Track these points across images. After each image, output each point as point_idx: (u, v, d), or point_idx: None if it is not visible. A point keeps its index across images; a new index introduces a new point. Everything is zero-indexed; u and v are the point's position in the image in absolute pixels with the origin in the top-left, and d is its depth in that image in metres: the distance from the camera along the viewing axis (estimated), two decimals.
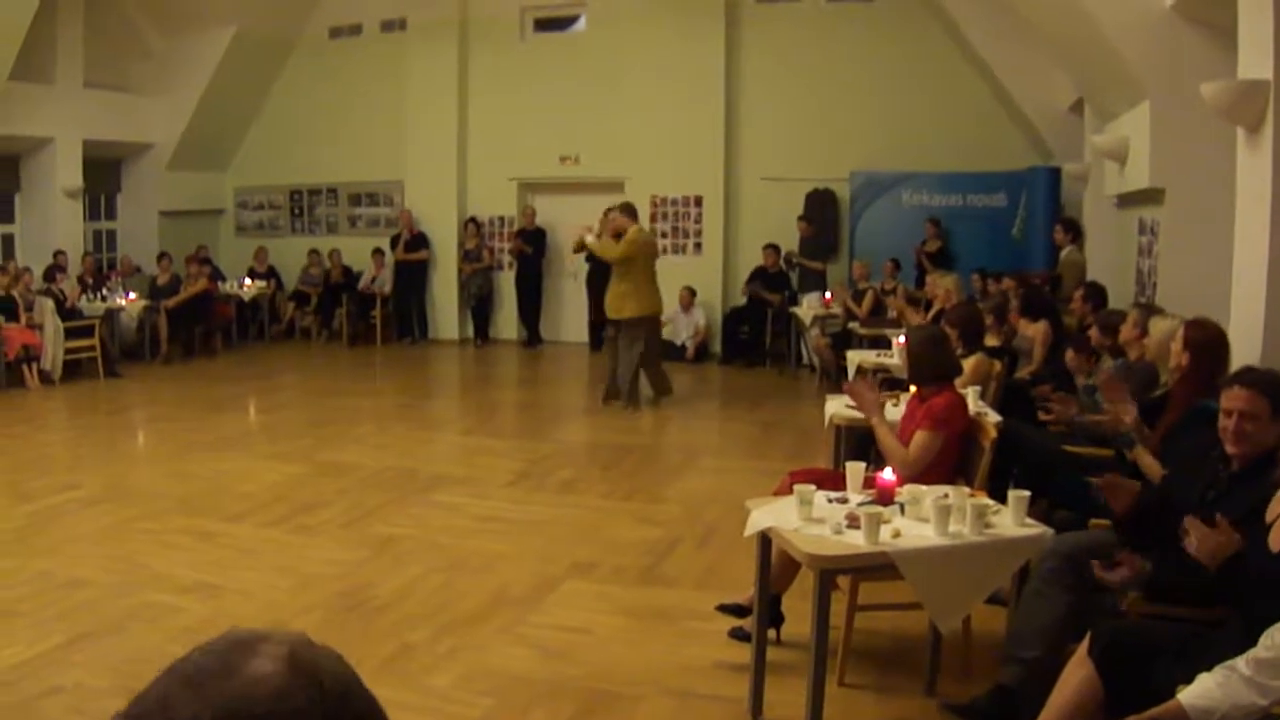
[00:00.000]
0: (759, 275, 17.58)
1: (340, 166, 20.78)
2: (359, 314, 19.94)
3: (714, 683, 5.59)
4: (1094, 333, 8.39)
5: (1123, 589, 4.45)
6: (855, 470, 5.28)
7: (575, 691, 5.49)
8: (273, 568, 7.44)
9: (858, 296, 15.55)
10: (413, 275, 19.74)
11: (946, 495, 4.87)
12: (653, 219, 18.49)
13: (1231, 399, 4.43)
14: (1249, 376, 4.54)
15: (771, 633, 5.70)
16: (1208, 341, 6.16)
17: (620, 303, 13.10)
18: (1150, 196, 10.46)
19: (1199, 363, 6.06)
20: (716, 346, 18.15)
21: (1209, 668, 3.58)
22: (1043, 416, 8.25)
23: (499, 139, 19.58)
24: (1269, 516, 4.06)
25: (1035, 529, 4.84)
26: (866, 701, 5.43)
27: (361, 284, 19.96)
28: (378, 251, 19.85)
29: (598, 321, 13.35)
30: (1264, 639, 3.45)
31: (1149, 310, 7.94)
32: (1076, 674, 3.99)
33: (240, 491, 9.46)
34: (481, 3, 19.61)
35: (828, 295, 16.00)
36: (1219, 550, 3.88)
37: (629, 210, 13.53)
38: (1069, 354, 8.54)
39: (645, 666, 5.78)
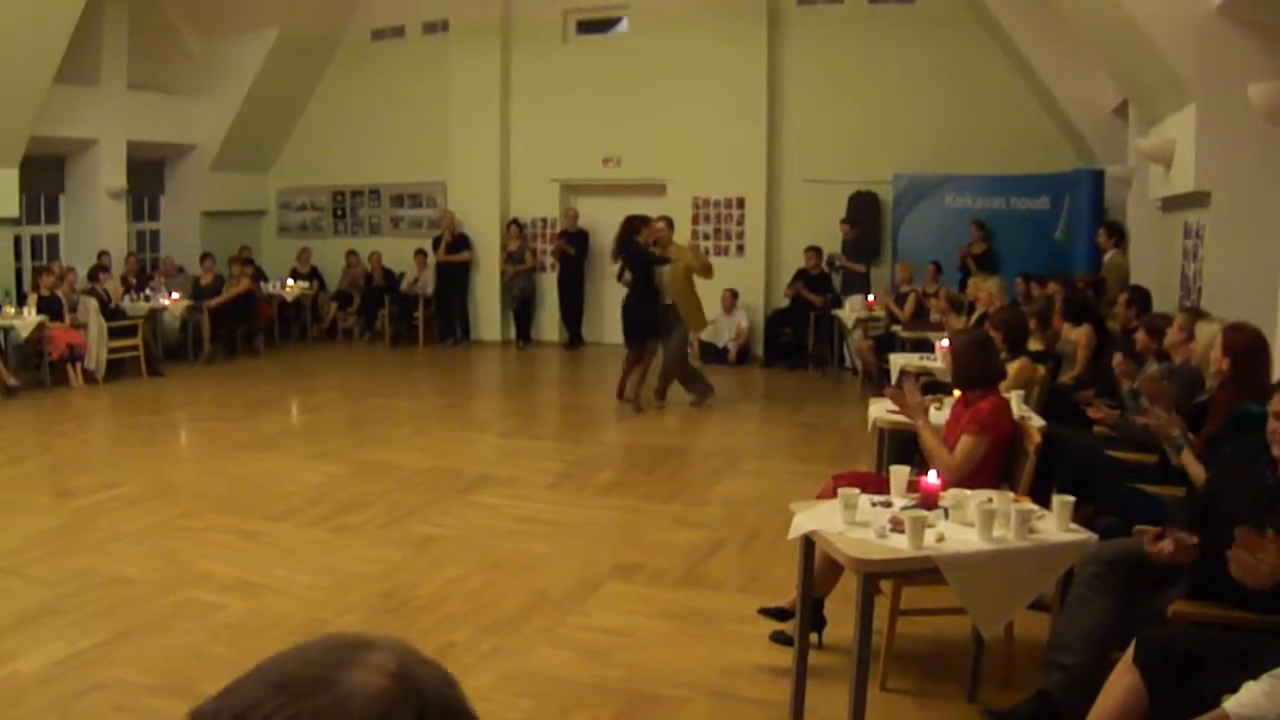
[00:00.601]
0: (801, 277, 17.54)
1: (382, 168, 20.86)
2: (401, 315, 20.00)
3: (755, 686, 5.57)
4: (1140, 336, 8.34)
5: (1171, 564, 4.41)
6: (899, 474, 5.26)
7: (615, 694, 5.48)
8: (314, 567, 7.46)
9: (900, 299, 15.49)
10: (455, 276, 19.78)
11: (990, 500, 4.85)
12: (694, 221, 18.52)
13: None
14: None
15: (813, 636, 5.68)
16: (1246, 345, 6.13)
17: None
18: (1195, 200, 10.38)
19: (1239, 367, 6.03)
20: (759, 349, 18.12)
21: (1256, 676, 3.55)
22: (1091, 414, 8.19)
23: (541, 140, 19.60)
24: None
25: (1079, 534, 4.81)
26: (908, 707, 5.41)
27: (404, 285, 20.03)
28: (420, 253, 19.90)
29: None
30: None
31: (1195, 314, 7.89)
32: (1121, 682, 3.96)
33: (282, 491, 9.51)
34: (524, 4, 19.62)
35: (870, 298, 15.95)
36: (1272, 572, 3.83)
37: (671, 224, 13.72)
38: (1117, 358, 8.47)
39: (686, 669, 5.77)
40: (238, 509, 8.90)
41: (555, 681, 5.62)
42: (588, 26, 19.86)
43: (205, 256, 18.39)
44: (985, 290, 11.85)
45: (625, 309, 13.47)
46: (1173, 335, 7.77)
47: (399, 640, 1.24)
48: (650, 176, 18.78)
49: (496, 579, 7.23)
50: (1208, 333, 6.96)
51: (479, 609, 6.64)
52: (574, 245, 19.19)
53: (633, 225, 13.44)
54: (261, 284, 19.20)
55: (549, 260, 19.80)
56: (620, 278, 13.66)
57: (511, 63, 19.80)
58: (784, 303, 17.90)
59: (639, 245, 13.35)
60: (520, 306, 19.87)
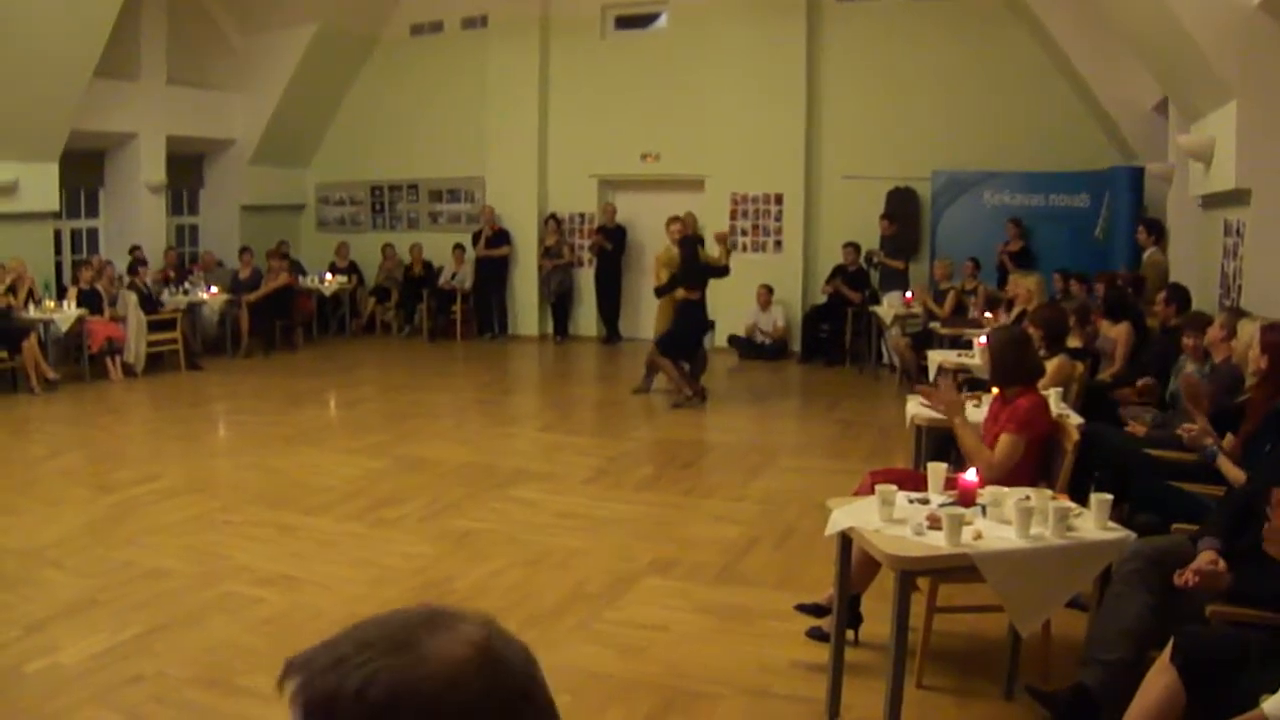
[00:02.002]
0: (839, 273, 17.56)
1: (421, 163, 20.94)
2: (440, 309, 20.06)
3: (791, 682, 5.57)
4: (1187, 341, 8.27)
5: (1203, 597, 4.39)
6: (937, 471, 5.24)
7: (652, 689, 5.49)
8: (352, 561, 7.49)
9: (939, 296, 15.45)
10: (494, 271, 19.86)
11: (1028, 497, 4.84)
12: (733, 216, 18.52)
13: None
14: None
15: (850, 633, 5.68)
16: None
17: None
18: (1236, 198, 10.32)
19: (1277, 365, 6.00)
20: (796, 345, 18.10)
21: None
22: (1131, 429, 8.17)
23: (580, 136, 19.65)
24: None
25: (1117, 532, 4.79)
26: (945, 704, 5.40)
27: (442, 280, 20.10)
28: (458, 247, 19.98)
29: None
30: None
31: (1237, 313, 7.86)
32: (1159, 681, 3.95)
33: (320, 485, 9.55)
34: (563, 0, 19.64)
35: (909, 294, 15.92)
36: None
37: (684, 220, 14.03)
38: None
39: (723, 665, 5.77)
40: (276, 503, 8.94)
41: (592, 676, 5.63)
42: (626, 22, 19.88)
43: (244, 250, 18.48)
44: (1024, 287, 11.83)
45: (688, 328, 13.55)
46: (1213, 333, 7.74)
47: (490, 616, 1.27)
48: (688, 172, 18.78)
49: (534, 573, 7.25)
50: (1248, 331, 6.93)
51: (516, 603, 6.65)
52: (611, 241, 19.23)
53: (695, 244, 13.60)
54: (300, 278, 19.28)
55: (586, 255, 19.83)
56: (662, 294, 13.77)
57: (550, 58, 19.85)
58: (822, 299, 17.89)
59: (705, 263, 13.49)
60: (558, 301, 19.93)
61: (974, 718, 5.31)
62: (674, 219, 13.91)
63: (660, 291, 13.68)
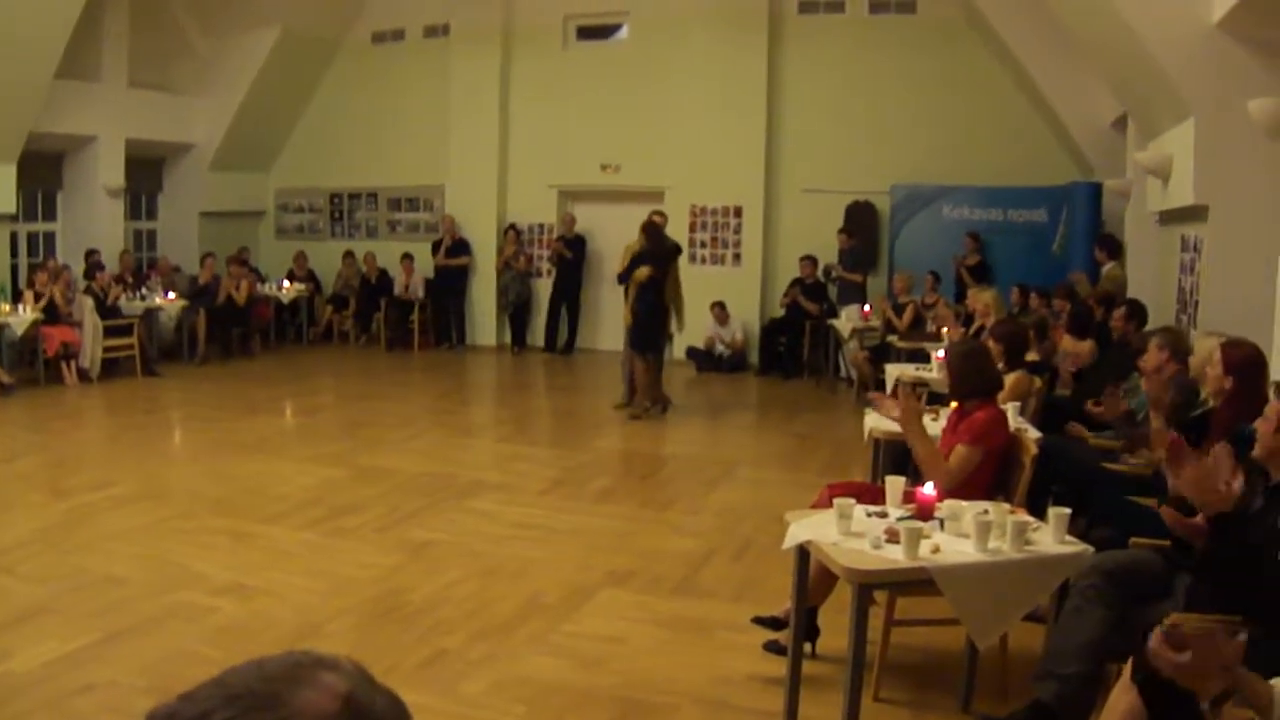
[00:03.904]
0: (797, 286, 17.60)
1: (381, 171, 20.86)
2: (397, 319, 19.98)
3: (749, 695, 5.57)
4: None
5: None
6: (895, 484, 5.26)
7: (609, 701, 5.48)
8: (308, 570, 7.45)
9: (898, 309, 15.51)
10: (453, 281, 19.80)
11: (987, 511, 4.85)
12: (692, 229, 18.50)
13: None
14: None
15: (807, 646, 5.69)
16: (1249, 361, 6.16)
17: None
18: (1194, 214, 10.40)
19: (1244, 383, 6.04)
20: (754, 357, 18.13)
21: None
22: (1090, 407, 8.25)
23: (540, 146, 19.61)
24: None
25: (1075, 547, 4.82)
26: (902, 717, 5.42)
27: (398, 289, 20.01)
28: (407, 257, 19.93)
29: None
30: None
31: (1170, 333, 7.91)
32: (1121, 701, 3.95)
33: (276, 493, 9.50)
34: (524, 10, 19.64)
35: (867, 308, 15.96)
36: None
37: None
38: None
39: (680, 677, 5.77)
40: (232, 511, 8.89)
41: (548, 688, 5.61)
42: (588, 32, 19.86)
43: (206, 256, 18.42)
44: (983, 301, 11.87)
45: (652, 313, 13.42)
46: (1151, 358, 7.75)
47: (358, 664, 1.25)
48: (648, 184, 18.76)
49: (490, 585, 7.23)
50: (1206, 346, 6.97)
51: (472, 614, 6.63)
52: (571, 250, 19.18)
53: (660, 225, 13.58)
54: (258, 285, 19.17)
55: (545, 266, 19.81)
56: (623, 280, 13.56)
57: (511, 67, 19.81)
58: (780, 312, 17.92)
59: (672, 244, 13.56)
60: (516, 312, 19.88)
61: None
62: (656, 212, 13.91)
63: (622, 277, 13.48)
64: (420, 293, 19.89)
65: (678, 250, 13.59)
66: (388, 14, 20.59)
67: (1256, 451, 4.61)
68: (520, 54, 19.77)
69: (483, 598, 6.97)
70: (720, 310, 17.94)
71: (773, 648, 5.85)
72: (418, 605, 6.79)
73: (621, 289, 13.64)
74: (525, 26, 19.67)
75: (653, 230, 13.33)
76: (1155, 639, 3.30)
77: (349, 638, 6.14)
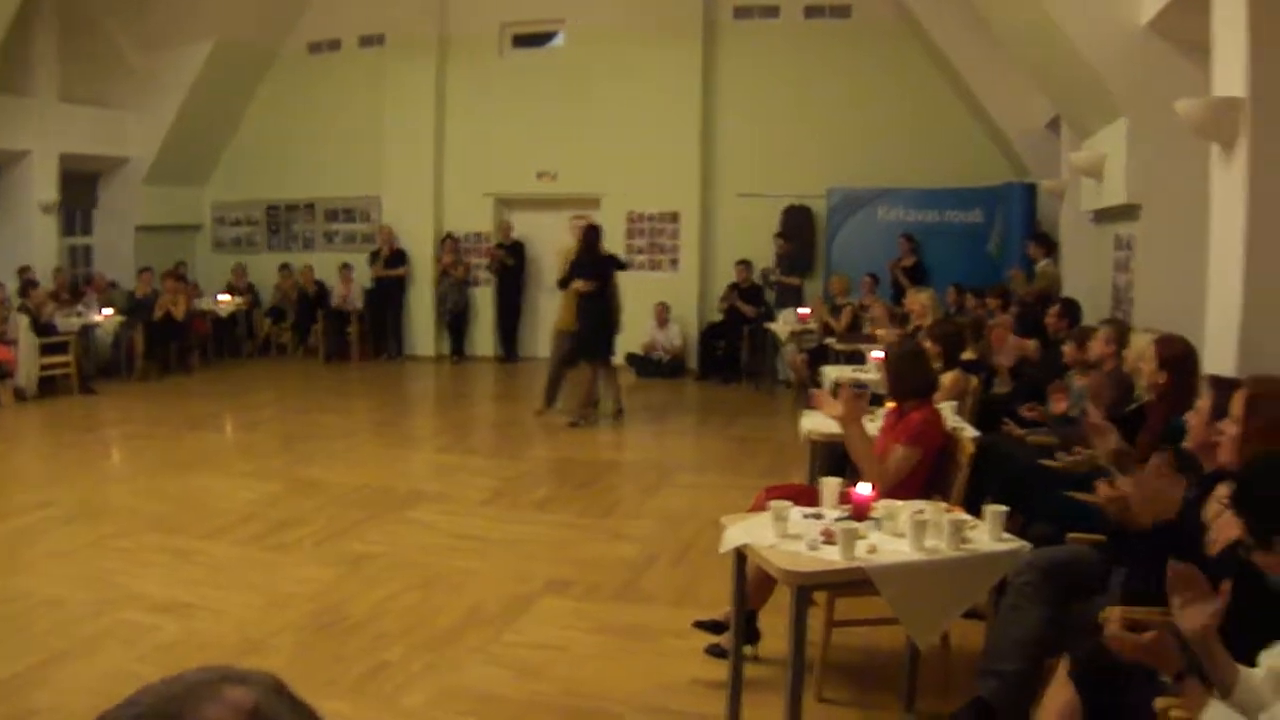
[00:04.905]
0: (734, 290, 17.71)
1: (318, 182, 20.73)
2: (335, 330, 19.88)
3: (691, 700, 5.57)
4: (1069, 348, 8.43)
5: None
6: (830, 486, 5.27)
7: (551, 709, 5.47)
8: (248, 586, 7.38)
9: (835, 312, 15.57)
10: (390, 291, 19.72)
11: (923, 510, 4.86)
12: (629, 235, 18.56)
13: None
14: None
15: (749, 649, 5.69)
16: (1182, 357, 6.26)
17: None
18: (1126, 212, 10.51)
19: (1177, 378, 6.11)
20: (693, 362, 18.20)
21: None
22: (1026, 412, 8.30)
23: (477, 155, 19.57)
24: (1207, 517, 4.11)
25: (1012, 543, 4.84)
26: (845, 717, 5.44)
27: (335, 300, 19.93)
28: (345, 267, 19.86)
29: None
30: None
31: (1120, 325, 8.01)
32: (1059, 697, 3.97)
33: (216, 509, 9.41)
34: (460, 18, 19.60)
35: (804, 311, 16.02)
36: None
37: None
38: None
39: (622, 684, 5.76)
40: (171, 528, 8.80)
41: (490, 698, 5.60)
42: (524, 40, 19.89)
43: (144, 270, 18.27)
44: (919, 302, 11.95)
45: (602, 320, 13.40)
46: (1098, 346, 7.86)
47: (271, 677, 1.23)
48: (585, 191, 18.78)
49: (431, 596, 7.20)
50: (1141, 342, 7.05)
51: (413, 626, 6.60)
52: (511, 257, 19.14)
53: (598, 233, 13.53)
54: (196, 299, 19.01)
55: (483, 275, 19.77)
56: (564, 286, 13.50)
57: (447, 76, 19.78)
58: (718, 316, 18.00)
59: (607, 254, 13.52)
60: (454, 321, 19.86)
61: None
62: (578, 215, 13.91)
63: (563, 283, 13.44)
64: (358, 304, 19.82)
65: (620, 265, 13.55)
66: (323, 24, 20.49)
67: (1189, 443, 4.67)
68: (456, 63, 19.73)
69: (423, 609, 6.94)
70: (663, 311, 17.97)
71: (714, 651, 5.85)
72: (358, 618, 6.74)
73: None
74: (461, 35, 19.65)
75: (589, 235, 13.32)
76: (1114, 625, 3.33)
77: (289, 653, 6.09)
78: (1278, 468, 3.04)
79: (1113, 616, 3.30)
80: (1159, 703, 3.50)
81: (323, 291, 20.18)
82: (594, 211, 17.50)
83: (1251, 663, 3.22)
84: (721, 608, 5.87)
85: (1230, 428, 4.21)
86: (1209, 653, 3.16)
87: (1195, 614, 3.16)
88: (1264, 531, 2.95)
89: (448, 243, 19.66)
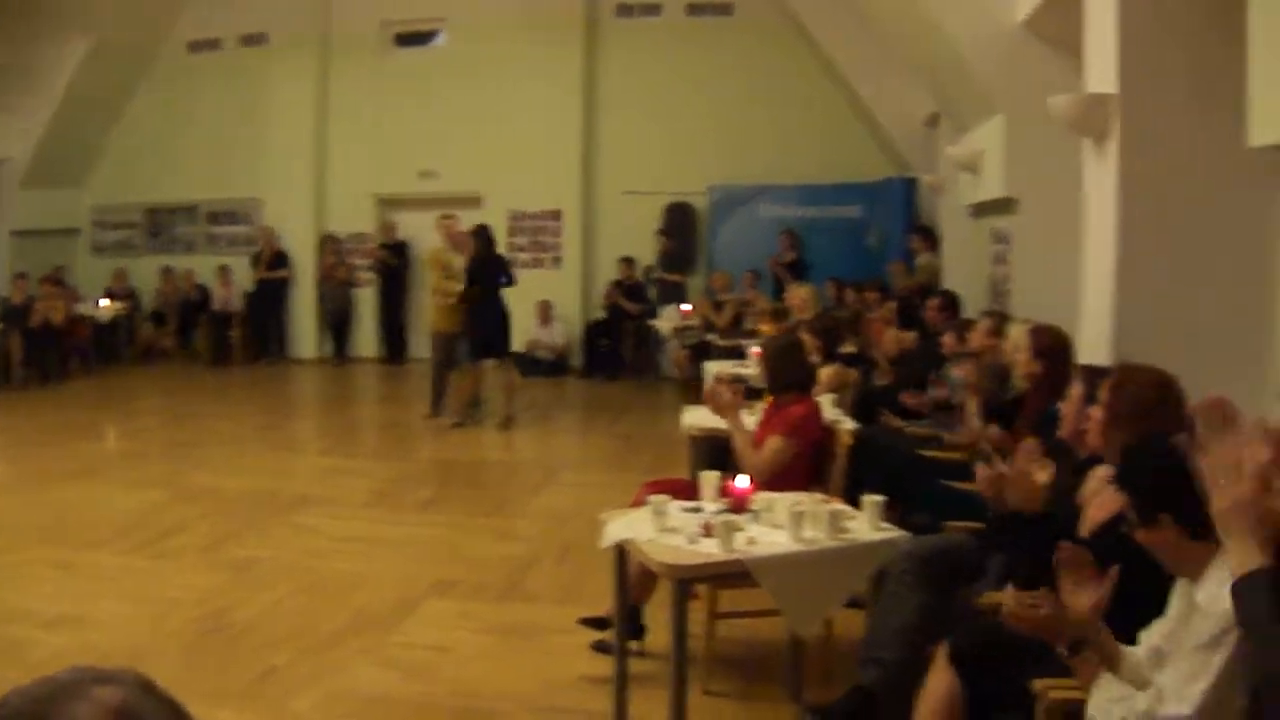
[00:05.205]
0: (617, 287, 17.85)
1: (199, 184, 20.37)
2: (217, 334, 19.65)
3: (578, 696, 5.59)
4: (949, 339, 8.55)
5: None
6: (709, 479, 5.31)
7: (439, 710, 5.47)
8: (133, 595, 7.28)
9: (718, 308, 15.67)
10: (273, 294, 19.56)
11: (801, 502, 4.91)
12: (511, 233, 18.47)
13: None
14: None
15: (634, 644, 5.72)
16: (1056, 347, 6.38)
17: None
18: (1003, 206, 10.65)
19: (1052, 367, 6.22)
20: (577, 360, 18.25)
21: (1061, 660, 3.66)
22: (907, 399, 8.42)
23: (359, 155, 19.47)
24: (1082, 501, 4.20)
25: (890, 532, 4.91)
26: (731, 709, 5.50)
27: (216, 304, 19.71)
28: (223, 269, 19.68)
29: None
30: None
31: (1000, 316, 8.13)
32: (939, 682, 4.03)
33: (99, 518, 9.26)
34: (343, 17, 19.49)
35: (687, 307, 16.11)
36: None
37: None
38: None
39: (509, 683, 5.77)
40: (54, 539, 8.63)
41: (378, 700, 5.59)
42: (406, 39, 19.85)
43: (19, 276, 17.91)
44: (799, 297, 12.07)
45: (499, 320, 13.32)
46: (978, 339, 7.99)
47: (139, 677, 1.24)
48: (467, 190, 18.70)
49: (317, 600, 7.15)
50: (1016, 332, 7.17)
51: (300, 631, 6.55)
52: (394, 257, 19.07)
53: (490, 234, 13.50)
54: (75, 305, 18.69)
55: (365, 276, 19.66)
56: (469, 297, 13.32)
57: (330, 75, 19.67)
58: (601, 314, 18.12)
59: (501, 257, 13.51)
60: (336, 323, 19.76)
61: None
62: (446, 215, 13.89)
63: (467, 295, 13.23)
64: (239, 306, 19.62)
65: (509, 275, 13.53)
66: (204, 22, 20.17)
67: (1062, 431, 4.76)
68: (338, 62, 19.62)
69: (309, 613, 6.90)
70: (546, 310, 18.00)
71: (600, 648, 5.88)
72: (244, 624, 6.69)
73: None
74: (343, 34, 19.53)
75: (483, 236, 13.29)
76: (1009, 600, 3.39)
77: (177, 661, 6.02)
78: (1162, 447, 3.11)
79: (1009, 595, 3.37)
80: (1036, 684, 3.59)
81: (204, 295, 19.93)
82: (476, 210, 17.44)
83: (1131, 642, 3.30)
84: (606, 604, 5.89)
85: (1097, 414, 4.30)
86: (1096, 632, 3.24)
87: (1084, 595, 3.23)
88: (1147, 509, 3.02)
89: (329, 244, 19.52)
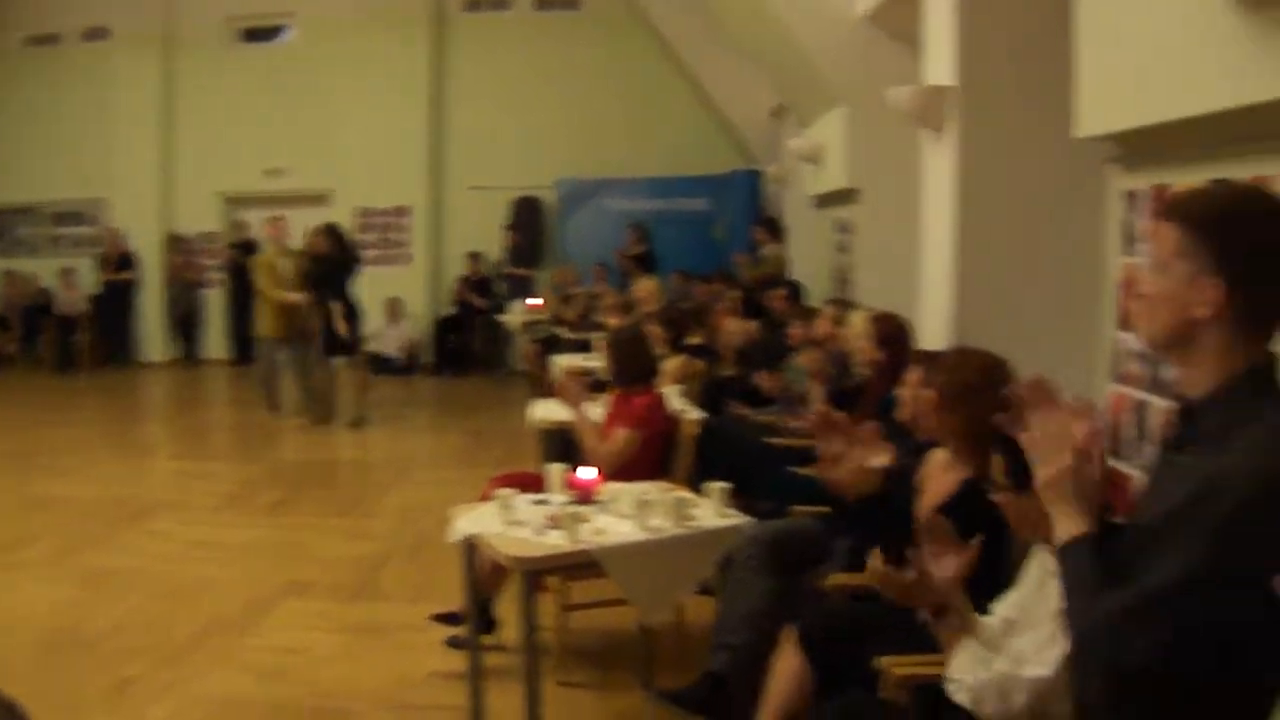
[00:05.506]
0: (465, 283, 17.90)
1: (41, 184, 19.83)
2: (62, 338, 19.23)
3: (434, 693, 5.63)
4: (795, 328, 8.68)
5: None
6: (554, 472, 5.35)
7: (295, 711, 5.47)
8: None
9: (566, 302, 15.74)
10: (119, 296, 19.22)
11: (647, 491, 4.98)
12: (360, 230, 18.20)
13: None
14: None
15: (487, 638, 5.75)
16: (896, 334, 6.52)
17: None
18: (846, 197, 10.81)
19: (892, 354, 6.35)
20: (427, 357, 18.23)
21: (904, 637, 3.76)
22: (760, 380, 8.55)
23: (205, 152, 19.15)
24: (919, 484, 4.33)
25: (735, 518, 4.99)
26: (586, 699, 5.57)
27: (61, 307, 19.30)
28: (66, 272, 19.25)
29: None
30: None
31: (843, 304, 8.28)
32: (787, 664, 4.10)
33: None
34: (187, 12, 19.16)
35: (536, 301, 16.15)
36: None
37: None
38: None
39: (364, 682, 5.79)
40: None
41: (236, 704, 5.57)
42: (253, 34, 19.61)
43: None
44: (645, 289, 12.17)
45: (349, 318, 13.25)
46: (823, 327, 8.14)
47: (4, 697, 1.25)
48: (315, 187, 18.57)
49: (171, 607, 7.07)
50: (856, 319, 7.30)
51: (155, 639, 6.47)
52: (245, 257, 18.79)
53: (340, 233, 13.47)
54: None
55: (215, 276, 19.40)
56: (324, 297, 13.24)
57: (175, 72, 19.29)
58: (451, 310, 18.14)
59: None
60: (185, 324, 19.50)
61: (615, 710, 5.49)
62: (275, 216, 13.88)
63: (324, 296, 13.16)
64: (84, 309, 19.23)
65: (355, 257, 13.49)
66: (42, 16, 19.70)
67: (901, 415, 4.88)
68: (184, 57, 19.26)
69: (164, 621, 6.81)
70: (394, 307, 17.95)
71: (454, 643, 5.91)
72: (97, 635, 6.59)
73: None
74: (188, 29, 19.20)
75: (335, 234, 13.23)
76: (876, 562, 3.47)
77: (28, 676, 5.85)
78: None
79: (875, 562, 3.46)
80: (881, 661, 3.69)
81: (48, 299, 19.51)
82: (325, 208, 17.29)
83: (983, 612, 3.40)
84: (458, 600, 5.91)
85: (929, 396, 4.42)
86: (958, 599, 3.34)
87: (947, 564, 3.32)
88: (1023, 473, 3.11)
89: (176, 244, 19.23)
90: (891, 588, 3.44)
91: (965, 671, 3.18)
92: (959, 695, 3.18)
